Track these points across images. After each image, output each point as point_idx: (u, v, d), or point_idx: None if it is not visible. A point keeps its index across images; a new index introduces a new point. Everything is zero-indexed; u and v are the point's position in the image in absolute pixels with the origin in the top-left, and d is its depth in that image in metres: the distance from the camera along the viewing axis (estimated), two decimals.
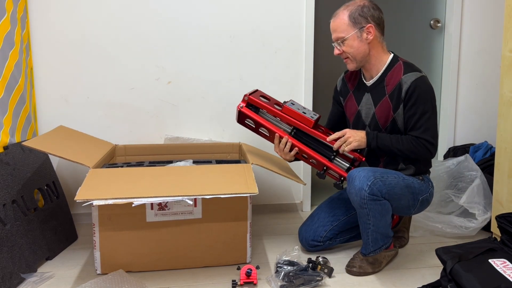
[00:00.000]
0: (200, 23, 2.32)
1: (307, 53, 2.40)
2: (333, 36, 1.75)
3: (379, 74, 1.77)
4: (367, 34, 1.71)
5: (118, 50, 2.27)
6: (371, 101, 1.80)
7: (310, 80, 2.43)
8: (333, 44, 1.79)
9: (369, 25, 1.70)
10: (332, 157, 1.78)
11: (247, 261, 1.82)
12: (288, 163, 2.29)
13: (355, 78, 1.89)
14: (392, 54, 1.79)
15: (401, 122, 1.73)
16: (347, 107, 1.92)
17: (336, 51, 1.77)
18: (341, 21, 1.71)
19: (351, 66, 1.78)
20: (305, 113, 1.78)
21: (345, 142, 1.71)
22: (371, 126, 1.81)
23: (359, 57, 1.74)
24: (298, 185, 2.53)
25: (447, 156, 2.56)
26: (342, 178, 1.77)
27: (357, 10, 1.70)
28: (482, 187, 2.07)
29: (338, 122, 1.99)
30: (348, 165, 1.78)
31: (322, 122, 2.28)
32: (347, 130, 1.73)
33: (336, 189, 1.83)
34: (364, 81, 1.83)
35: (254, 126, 1.85)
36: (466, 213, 2.10)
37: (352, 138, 1.70)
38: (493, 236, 1.74)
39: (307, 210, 2.53)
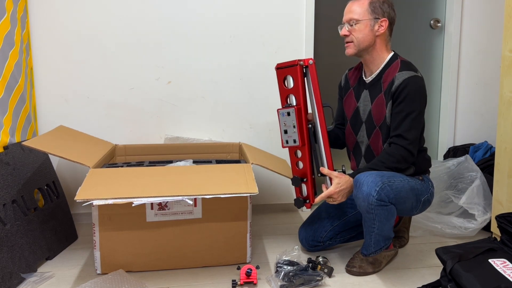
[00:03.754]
0: (200, 23, 2.32)
1: (307, 53, 2.40)
2: (346, 16, 1.75)
3: (378, 71, 1.77)
4: (379, 26, 1.72)
5: (118, 50, 2.27)
6: (368, 97, 1.80)
7: None
8: (339, 26, 1.78)
9: (384, 19, 1.72)
10: (319, 175, 1.74)
11: (247, 261, 1.82)
12: (288, 163, 2.29)
13: (356, 74, 1.90)
14: (392, 53, 1.79)
15: (388, 119, 1.73)
16: (346, 103, 1.92)
17: (343, 31, 1.75)
18: (360, 4, 1.72)
19: (350, 51, 1.76)
20: (286, 131, 1.71)
21: (329, 201, 1.70)
22: (367, 123, 1.81)
23: (363, 45, 1.73)
24: None
25: (447, 156, 2.56)
26: (307, 201, 1.74)
27: (378, 1, 1.72)
28: (482, 188, 2.07)
29: (344, 118, 1.98)
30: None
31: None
32: (332, 191, 1.66)
33: (296, 206, 1.78)
34: (364, 78, 1.84)
35: (288, 89, 1.70)
36: (465, 214, 2.10)
37: (339, 198, 1.68)
38: (493, 236, 1.75)
39: (307, 210, 2.53)
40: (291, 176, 1.96)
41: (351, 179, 1.69)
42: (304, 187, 1.76)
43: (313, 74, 1.69)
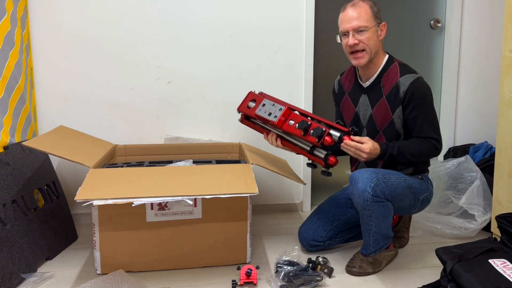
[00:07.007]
0: (200, 23, 2.32)
1: (307, 53, 2.40)
2: (353, 24, 1.65)
3: (376, 75, 1.76)
4: (381, 31, 1.72)
5: (118, 50, 2.27)
6: (367, 102, 1.79)
7: (310, 80, 2.43)
8: (341, 36, 1.72)
9: (384, 23, 1.72)
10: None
11: (247, 261, 1.82)
12: (288, 163, 2.29)
13: (350, 79, 1.88)
14: (387, 55, 1.78)
15: (399, 124, 1.73)
16: (343, 108, 1.91)
17: (352, 41, 1.66)
18: (364, 11, 1.66)
19: (363, 61, 1.70)
20: (270, 114, 1.74)
21: (357, 152, 1.61)
22: (368, 128, 1.80)
23: (374, 52, 1.71)
24: (298, 185, 2.53)
25: (447, 156, 2.56)
26: (336, 140, 1.64)
27: (374, 6, 1.70)
28: (482, 188, 2.07)
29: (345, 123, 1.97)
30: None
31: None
32: (367, 148, 1.59)
33: (324, 174, 1.74)
34: (360, 82, 1.83)
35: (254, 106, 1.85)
36: (465, 214, 2.10)
37: (365, 156, 1.60)
38: (493, 236, 1.75)
39: (307, 210, 2.53)
40: (291, 176, 1.96)
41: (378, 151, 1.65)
42: (318, 130, 1.66)
43: (266, 95, 1.88)
